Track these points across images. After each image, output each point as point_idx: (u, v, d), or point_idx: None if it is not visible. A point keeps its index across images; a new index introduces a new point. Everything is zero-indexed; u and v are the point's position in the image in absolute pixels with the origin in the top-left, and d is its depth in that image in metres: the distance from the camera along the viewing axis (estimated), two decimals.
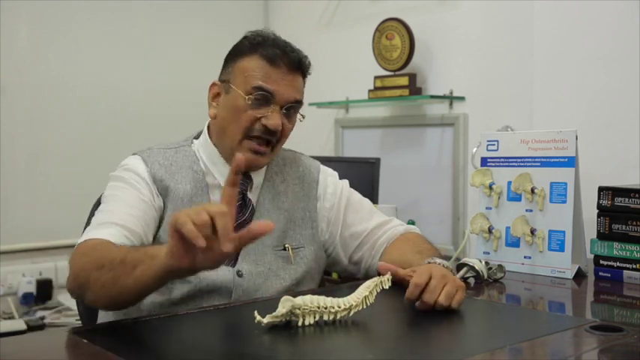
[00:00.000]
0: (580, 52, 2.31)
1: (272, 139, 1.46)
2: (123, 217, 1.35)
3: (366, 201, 1.67)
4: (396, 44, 2.89)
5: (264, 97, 1.43)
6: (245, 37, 1.50)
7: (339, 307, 1.19)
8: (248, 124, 1.44)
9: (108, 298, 1.20)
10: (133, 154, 1.51)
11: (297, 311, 1.16)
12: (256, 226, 1.04)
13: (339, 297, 1.21)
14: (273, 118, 1.43)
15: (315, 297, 1.18)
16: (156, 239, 1.43)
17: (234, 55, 1.50)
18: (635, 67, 2.16)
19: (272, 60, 1.44)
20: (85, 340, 1.10)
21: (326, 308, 1.18)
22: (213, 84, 1.53)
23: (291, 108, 1.47)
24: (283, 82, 1.44)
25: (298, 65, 1.47)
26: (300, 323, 1.16)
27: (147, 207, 1.41)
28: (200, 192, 1.47)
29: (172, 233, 1.02)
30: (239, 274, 1.44)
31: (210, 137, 1.53)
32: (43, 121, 3.12)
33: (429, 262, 1.38)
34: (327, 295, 1.21)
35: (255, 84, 1.43)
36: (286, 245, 1.52)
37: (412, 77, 2.90)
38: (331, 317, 1.19)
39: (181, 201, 1.45)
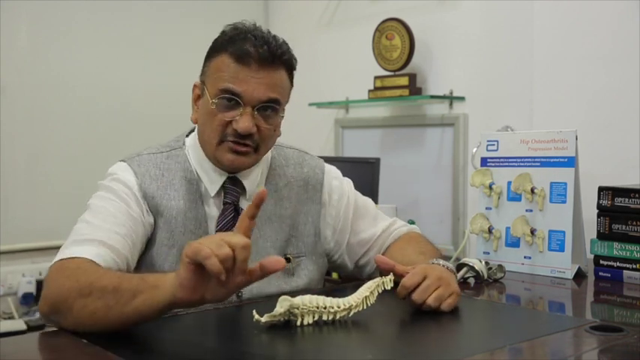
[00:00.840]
0: (580, 52, 2.31)
1: (247, 142, 1.35)
2: (111, 236, 1.25)
3: (370, 202, 1.63)
4: (396, 44, 2.89)
5: (230, 99, 1.33)
6: (222, 32, 1.40)
7: (339, 307, 1.19)
8: (220, 127, 1.34)
9: (96, 326, 1.10)
10: (121, 160, 1.41)
11: (296, 311, 1.15)
12: (269, 264, 1.01)
13: (339, 297, 1.20)
14: (242, 121, 1.32)
15: (315, 297, 1.18)
16: (144, 259, 1.36)
17: (210, 52, 1.41)
18: (635, 67, 2.16)
19: (240, 58, 1.32)
20: (85, 340, 1.09)
21: (325, 308, 1.18)
22: (195, 85, 1.44)
23: (267, 108, 1.35)
24: (253, 80, 1.32)
25: (271, 60, 1.33)
26: (298, 323, 1.16)
27: (135, 224, 1.31)
28: (194, 205, 1.39)
29: (187, 265, 0.97)
30: (239, 295, 1.39)
31: (199, 140, 1.44)
32: (43, 121, 3.12)
33: (433, 263, 1.36)
34: (328, 295, 1.21)
35: (222, 86, 1.33)
36: (288, 255, 1.46)
37: (412, 77, 2.90)
38: (330, 317, 1.19)
39: (175, 220, 1.37)
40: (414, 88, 2.90)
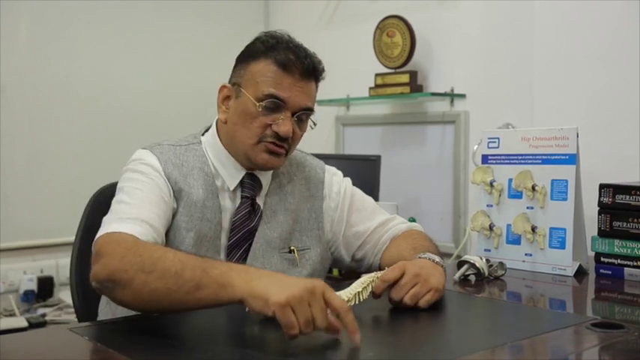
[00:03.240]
0: (580, 50, 2.30)
1: (283, 144, 1.43)
2: (151, 215, 1.31)
3: (369, 199, 1.66)
4: (396, 42, 2.89)
5: (275, 104, 1.40)
6: (258, 39, 1.46)
7: None
8: (259, 130, 1.41)
9: (153, 304, 1.15)
10: (143, 148, 1.47)
11: None
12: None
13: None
14: (284, 125, 1.40)
15: None
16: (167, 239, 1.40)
17: (246, 57, 1.46)
18: (635, 65, 2.15)
19: (285, 66, 1.40)
20: (86, 337, 1.10)
21: None
22: (223, 86, 1.49)
23: (303, 114, 1.44)
24: (295, 88, 1.41)
25: (312, 72, 1.44)
26: None
27: (167, 207, 1.38)
28: (210, 195, 1.44)
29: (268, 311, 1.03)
30: None
31: (219, 138, 1.50)
32: (43, 119, 3.12)
33: (420, 257, 1.38)
34: None
35: (267, 91, 1.40)
36: (292, 247, 1.51)
37: (413, 75, 2.90)
38: None
39: (195, 206, 1.42)
40: (415, 86, 2.90)
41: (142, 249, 1.18)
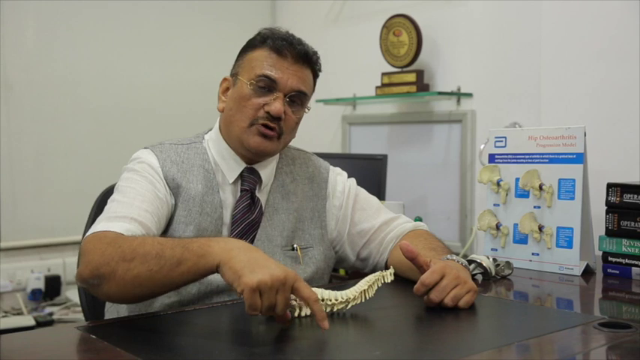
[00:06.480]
0: (588, 48, 2.30)
1: (275, 126, 1.45)
2: (141, 212, 1.33)
3: (374, 198, 1.67)
4: (403, 40, 2.89)
5: (267, 85, 1.45)
6: (258, 34, 1.52)
7: (336, 300, 1.20)
8: (252, 111, 1.45)
9: (138, 289, 1.18)
10: (145, 147, 1.50)
11: (294, 302, 1.16)
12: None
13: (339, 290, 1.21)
14: (275, 104, 1.44)
15: (313, 289, 1.18)
16: (165, 235, 1.42)
17: (245, 49, 1.52)
18: None
19: (278, 50, 1.46)
20: (94, 336, 1.10)
21: (323, 300, 1.18)
22: (224, 79, 1.55)
23: (296, 98, 1.47)
24: (288, 71, 1.46)
25: (305, 57, 1.48)
26: (296, 314, 1.17)
27: (161, 203, 1.40)
28: (211, 191, 1.47)
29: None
30: None
31: (220, 131, 1.53)
32: (50, 118, 3.13)
33: (447, 259, 1.38)
34: (327, 288, 1.21)
35: (260, 72, 1.45)
36: (295, 245, 1.52)
37: (420, 74, 2.89)
38: (328, 310, 1.19)
39: (193, 200, 1.44)
40: (422, 85, 2.89)
41: (121, 241, 1.21)
